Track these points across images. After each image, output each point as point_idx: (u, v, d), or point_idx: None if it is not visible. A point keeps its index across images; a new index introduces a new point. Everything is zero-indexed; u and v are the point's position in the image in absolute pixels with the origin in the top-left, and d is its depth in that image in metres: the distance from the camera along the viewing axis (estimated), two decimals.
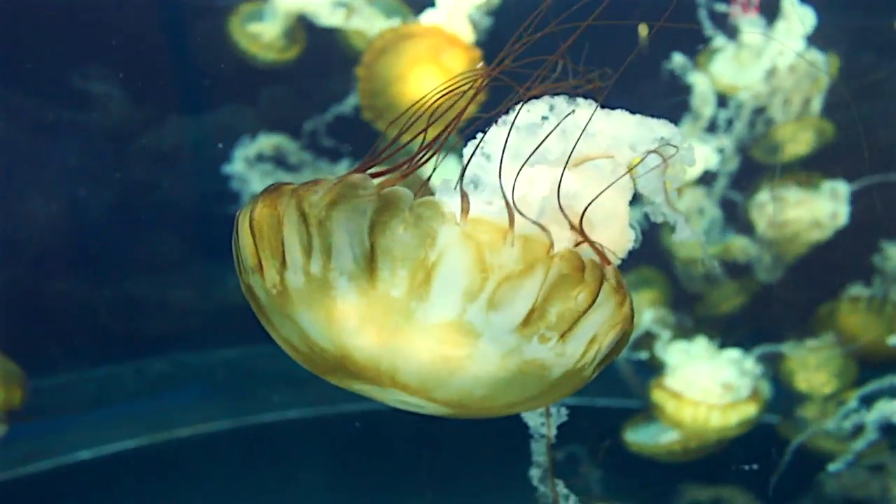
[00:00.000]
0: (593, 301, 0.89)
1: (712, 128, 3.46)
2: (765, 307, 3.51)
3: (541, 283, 0.86)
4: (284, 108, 3.66)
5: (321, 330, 0.92)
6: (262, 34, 3.40)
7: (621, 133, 1.05)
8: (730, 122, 3.46)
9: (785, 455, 3.07)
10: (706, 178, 3.50)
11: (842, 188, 3.34)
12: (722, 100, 3.45)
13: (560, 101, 1.06)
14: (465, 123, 1.10)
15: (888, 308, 3.30)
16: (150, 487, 3.46)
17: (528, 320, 0.88)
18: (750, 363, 3.06)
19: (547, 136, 1.00)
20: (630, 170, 1.06)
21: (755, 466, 3.07)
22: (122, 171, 3.69)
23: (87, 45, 3.34)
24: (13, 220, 3.51)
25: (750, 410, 2.89)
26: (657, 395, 3.04)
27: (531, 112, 1.05)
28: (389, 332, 0.88)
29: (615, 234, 1.07)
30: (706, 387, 2.92)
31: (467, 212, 0.87)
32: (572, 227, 0.96)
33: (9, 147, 3.44)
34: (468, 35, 3.04)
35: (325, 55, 3.49)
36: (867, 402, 2.93)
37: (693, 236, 1.09)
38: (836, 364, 3.13)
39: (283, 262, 0.91)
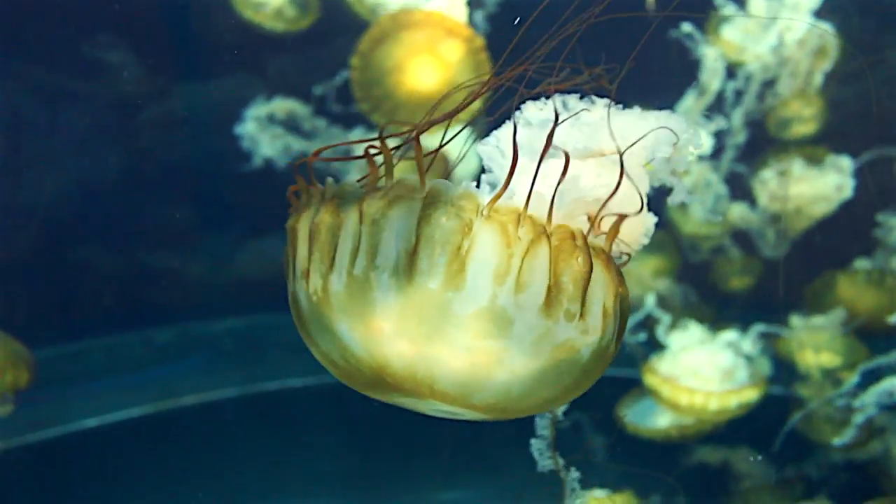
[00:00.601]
0: (590, 263, 0.92)
1: (720, 103, 3.47)
2: (769, 283, 3.52)
3: (548, 255, 0.91)
4: (293, 75, 3.66)
5: (359, 339, 0.94)
6: (267, 3, 3.40)
7: (632, 127, 1.08)
8: (738, 95, 3.47)
9: (788, 425, 3.11)
10: (714, 152, 3.51)
11: (846, 162, 3.35)
12: (731, 72, 3.46)
13: (572, 99, 1.10)
14: (479, 120, 1.13)
15: (889, 280, 3.32)
16: (156, 455, 3.48)
17: (549, 298, 0.91)
18: (749, 344, 3.05)
19: (554, 129, 1.03)
20: (645, 165, 1.09)
21: (759, 457, 3.11)
22: (130, 139, 3.70)
23: (95, 13, 3.34)
24: (22, 188, 3.52)
25: (750, 395, 2.88)
26: (652, 380, 3.01)
27: (543, 110, 1.09)
28: (426, 334, 0.91)
29: (632, 223, 1.09)
30: (705, 373, 2.91)
31: (495, 200, 0.92)
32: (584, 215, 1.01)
33: (18, 115, 3.45)
34: (467, 24, 3.02)
35: (332, 23, 3.49)
36: (870, 377, 2.94)
37: (689, 199, 1.12)
38: (839, 341, 3.13)
39: (331, 266, 0.94)
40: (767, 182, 3.40)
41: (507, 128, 1.10)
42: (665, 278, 3.51)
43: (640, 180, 1.09)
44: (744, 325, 3.19)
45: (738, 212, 3.55)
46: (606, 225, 1.03)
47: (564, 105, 1.10)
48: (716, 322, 3.29)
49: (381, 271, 0.91)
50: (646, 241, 1.11)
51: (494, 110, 1.16)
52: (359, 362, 0.97)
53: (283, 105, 3.52)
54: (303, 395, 3.79)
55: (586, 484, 1.63)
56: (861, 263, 3.37)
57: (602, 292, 0.96)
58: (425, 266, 0.90)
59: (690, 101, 3.38)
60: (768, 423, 3.11)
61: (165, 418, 3.66)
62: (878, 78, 3.29)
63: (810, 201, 3.34)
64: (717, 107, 3.50)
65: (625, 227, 1.05)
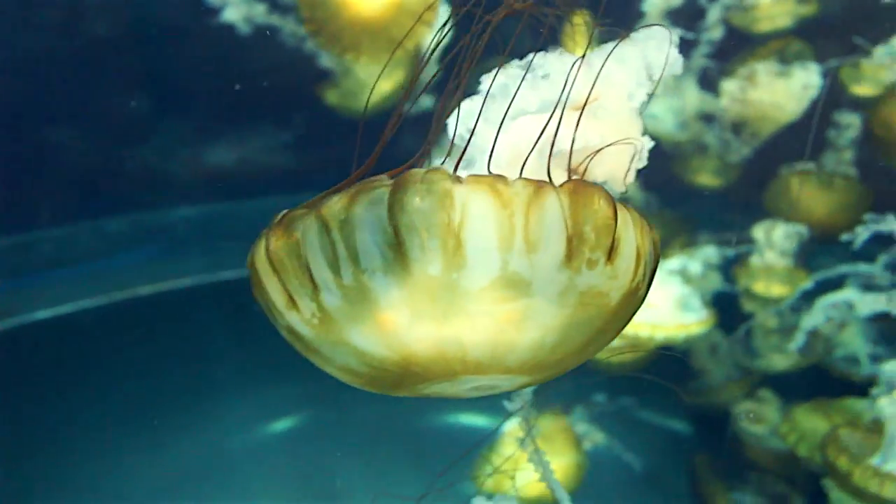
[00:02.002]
0: (614, 207, 0.87)
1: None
2: (731, 190, 3.51)
3: (559, 206, 0.84)
4: None
5: (376, 341, 0.90)
6: None
7: (610, 70, 1.04)
8: None
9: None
10: (685, 48, 3.42)
11: (814, 66, 3.28)
12: None
13: (540, 56, 1.05)
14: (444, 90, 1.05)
15: (837, 182, 3.31)
16: (111, 347, 3.48)
17: (570, 250, 0.86)
18: (698, 267, 3.03)
19: (518, 90, 0.99)
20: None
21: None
22: (82, 21, 3.50)
23: None
24: None
25: (699, 328, 2.89)
26: None
27: (507, 74, 1.03)
28: (443, 314, 0.86)
29: (623, 162, 1.06)
30: (654, 303, 2.89)
31: (460, 161, 0.88)
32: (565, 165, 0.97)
33: None
34: None
35: None
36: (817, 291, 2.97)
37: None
38: (790, 271, 3.12)
39: (315, 286, 0.89)
40: (731, 86, 3.33)
41: (470, 100, 1.03)
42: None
43: (628, 124, 1.07)
44: (702, 237, 3.20)
45: (704, 114, 3.50)
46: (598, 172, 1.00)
47: (531, 64, 1.04)
48: (676, 232, 3.29)
49: (373, 273, 0.85)
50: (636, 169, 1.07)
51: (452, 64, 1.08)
52: (382, 363, 0.92)
53: None
54: None
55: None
56: (810, 166, 3.36)
57: (631, 234, 0.90)
58: (418, 254, 0.84)
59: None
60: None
61: (120, 309, 3.64)
62: None
63: (774, 106, 3.28)
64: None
65: (618, 166, 1.03)
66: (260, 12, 3.29)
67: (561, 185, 0.86)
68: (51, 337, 3.46)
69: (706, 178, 3.48)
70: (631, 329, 2.77)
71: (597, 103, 1.05)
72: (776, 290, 3.06)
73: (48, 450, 3.10)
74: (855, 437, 2.39)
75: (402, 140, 1.10)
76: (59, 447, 3.17)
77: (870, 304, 2.63)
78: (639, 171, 1.06)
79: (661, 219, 3.45)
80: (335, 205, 0.86)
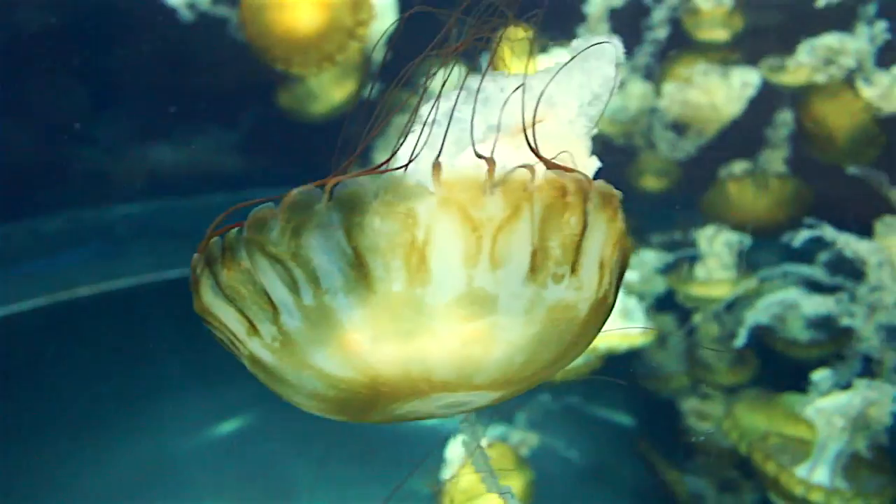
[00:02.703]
0: (585, 221, 0.86)
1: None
2: (672, 192, 3.56)
3: (531, 220, 0.83)
4: None
5: (340, 362, 0.87)
6: None
7: (558, 87, 1.02)
8: None
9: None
10: (629, 47, 3.46)
11: (752, 73, 3.34)
12: None
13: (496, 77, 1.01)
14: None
15: (772, 182, 3.39)
16: (52, 348, 3.40)
17: (534, 265, 0.84)
18: (636, 277, 3.06)
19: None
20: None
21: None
22: (14, 11, 3.39)
23: None
24: None
25: (642, 340, 2.91)
26: None
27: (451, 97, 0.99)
28: (407, 332, 0.84)
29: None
30: None
31: (439, 176, 0.82)
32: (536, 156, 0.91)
33: None
34: None
35: None
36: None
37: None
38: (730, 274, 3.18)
39: (274, 308, 0.86)
40: (671, 86, 3.39)
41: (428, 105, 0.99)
42: None
43: (574, 146, 1.06)
44: (644, 240, 3.25)
45: (647, 112, 3.54)
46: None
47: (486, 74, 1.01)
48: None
49: (334, 293, 0.83)
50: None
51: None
52: (349, 384, 0.89)
53: None
54: None
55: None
56: (744, 166, 3.43)
57: (598, 245, 0.89)
58: (380, 274, 0.82)
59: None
60: None
61: (60, 310, 3.56)
62: None
63: (712, 109, 3.34)
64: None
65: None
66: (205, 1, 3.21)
67: (541, 190, 0.83)
68: None
69: (650, 180, 3.53)
70: None
71: (541, 125, 1.01)
72: (718, 291, 3.13)
73: None
74: (785, 443, 2.47)
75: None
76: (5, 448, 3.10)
77: (814, 303, 2.71)
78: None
79: None
80: (275, 235, 0.82)
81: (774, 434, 2.53)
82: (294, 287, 0.84)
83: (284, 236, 0.82)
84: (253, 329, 0.89)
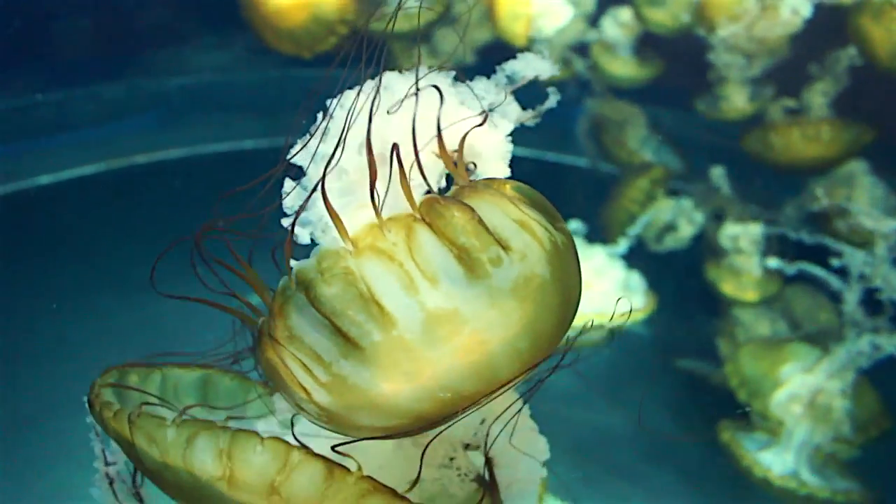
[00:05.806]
0: (466, 206, 0.90)
1: None
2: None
3: (429, 231, 0.89)
4: None
5: (380, 415, 0.93)
6: None
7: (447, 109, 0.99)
8: None
9: None
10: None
11: None
12: None
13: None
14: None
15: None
16: (108, 213, 3.58)
17: (466, 264, 0.89)
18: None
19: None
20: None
21: None
22: None
23: None
24: None
25: (643, 314, 2.92)
26: None
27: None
28: (412, 370, 0.90)
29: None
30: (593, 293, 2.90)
31: (346, 235, 0.91)
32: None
33: None
34: None
35: None
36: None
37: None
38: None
39: (306, 391, 0.93)
40: None
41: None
42: None
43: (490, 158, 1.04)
44: None
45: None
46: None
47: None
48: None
49: (336, 362, 0.90)
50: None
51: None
52: (400, 427, 0.96)
53: None
54: (256, 156, 3.83)
55: None
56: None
57: (499, 211, 0.91)
58: (356, 332, 0.89)
59: None
60: None
61: (117, 176, 3.73)
62: None
63: None
64: None
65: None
66: None
67: (418, 212, 0.90)
68: (53, 202, 3.55)
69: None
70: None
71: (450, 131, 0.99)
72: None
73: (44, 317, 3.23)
74: (757, 425, 2.50)
75: None
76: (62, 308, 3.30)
77: None
78: None
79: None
80: (277, 328, 0.92)
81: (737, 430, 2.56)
82: (307, 369, 0.92)
83: (279, 325, 0.92)
84: (300, 409, 0.97)
